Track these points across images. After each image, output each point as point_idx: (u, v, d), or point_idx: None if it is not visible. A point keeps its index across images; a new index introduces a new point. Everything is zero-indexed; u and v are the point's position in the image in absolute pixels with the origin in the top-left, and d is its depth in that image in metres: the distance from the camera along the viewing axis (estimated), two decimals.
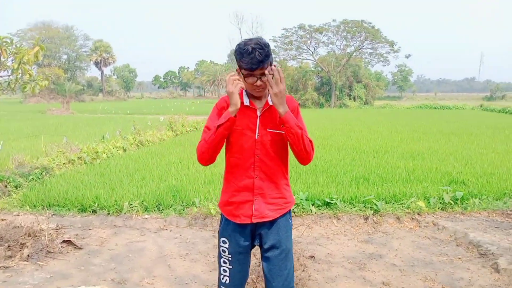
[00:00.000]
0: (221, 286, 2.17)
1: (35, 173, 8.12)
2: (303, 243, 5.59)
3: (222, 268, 2.18)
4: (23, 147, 12.24)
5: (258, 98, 2.10)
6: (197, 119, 20.80)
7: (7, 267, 4.86)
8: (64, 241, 5.53)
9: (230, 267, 2.15)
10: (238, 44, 1.99)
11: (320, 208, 6.61)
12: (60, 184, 7.62)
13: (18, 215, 6.67)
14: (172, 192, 7.04)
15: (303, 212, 6.45)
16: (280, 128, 2.03)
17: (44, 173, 8.34)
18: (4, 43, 6.00)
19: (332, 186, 7.36)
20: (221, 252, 2.21)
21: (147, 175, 8.41)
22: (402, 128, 19.32)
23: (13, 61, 6.05)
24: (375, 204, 6.60)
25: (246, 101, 2.08)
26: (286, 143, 2.14)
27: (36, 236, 5.45)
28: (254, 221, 2.08)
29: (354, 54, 50.47)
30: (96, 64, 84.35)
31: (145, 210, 6.69)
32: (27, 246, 5.25)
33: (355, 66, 50.88)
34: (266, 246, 2.14)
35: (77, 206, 6.75)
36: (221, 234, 2.23)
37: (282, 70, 39.74)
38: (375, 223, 6.40)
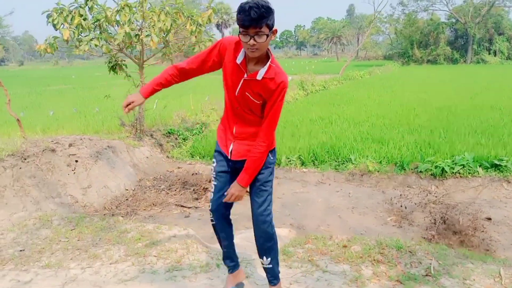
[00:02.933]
0: (210, 201, 2.42)
1: (197, 128, 9.01)
2: (474, 204, 5.35)
3: (211, 185, 2.44)
4: (173, 104, 13.53)
5: (252, 61, 2.12)
6: (324, 78, 20.65)
7: (196, 207, 5.59)
8: None
9: (215, 183, 2.42)
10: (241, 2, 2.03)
11: (488, 170, 6.20)
12: None
13: (190, 164, 7.54)
14: (326, 148, 7.23)
15: (469, 173, 6.12)
16: (256, 98, 2.18)
17: (203, 128, 9.20)
18: (182, 8, 6.56)
19: (499, 148, 6.80)
20: (211, 170, 2.48)
21: (295, 132, 8.72)
22: None
23: (191, 24, 6.60)
24: None
25: (240, 59, 2.13)
26: (260, 114, 2.26)
27: None
28: (232, 158, 2.34)
29: (497, 2, 44.25)
30: (217, 26, 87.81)
31: (302, 164, 7.01)
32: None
33: (497, 16, 44.70)
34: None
35: None
36: (214, 155, 2.49)
37: (411, 23, 36.65)
38: None
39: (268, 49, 2.10)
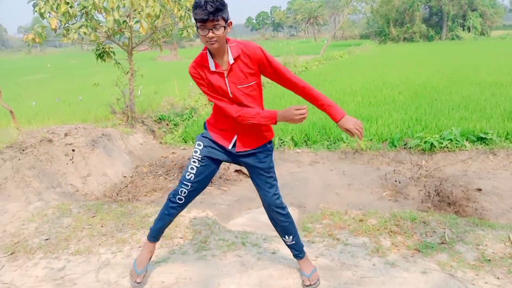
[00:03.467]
0: (183, 181, 2.38)
1: (187, 113, 9.01)
2: (464, 176, 5.61)
3: (190, 166, 2.39)
4: (158, 90, 13.43)
5: (220, 57, 2.19)
6: (306, 59, 20.75)
7: None
8: (236, 171, 6.23)
9: (198, 166, 2.37)
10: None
11: (474, 143, 6.46)
12: None
13: (184, 149, 7.59)
14: (317, 129, 7.39)
15: (456, 147, 6.37)
16: (248, 81, 2.22)
17: (193, 113, 9.21)
18: None
19: (483, 121, 7.09)
20: (193, 152, 2.43)
21: None
22: None
23: (179, 9, 6.56)
24: None
25: (212, 67, 2.20)
26: (258, 90, 2.31)
27: None
28: (237, 150, 2.35)
29: None
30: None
31: (295, 145, 7.15)
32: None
33: None
34: (249, 167, 2.47)
35: None
36: (198, 138, 2.45)
37: (386, 2, 37.03)
38: None
39: (226, 37, 2.17)
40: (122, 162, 6.30)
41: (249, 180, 6.08)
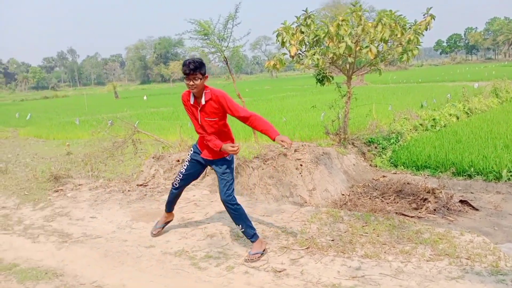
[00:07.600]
0: (179, 172, 3.67)
1: (393, 137, 8.92)
2: None
3: (184, 163, 3.65)
4: (355, 114, 13.63)
5: (199, 97, 3.27)
6: None
7: (419, 217, 5.52)
8: (460, 201, 5.85)
9: (188, 164, 3.61)
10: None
11: None
12: (422, 148, 8.10)
13: (395, 173, 7.51)
14: None
15: None
16: (211, 117, 3.30)
17: (399, 137, 9.06)
18: (398, 18, 6.62)
19: None
20: (188, 154, 3.69)
21: (509, 143, 7.92)
22: None
23: (403, 33, 6.61)
24: None
25: (192, 101, 3.32)
26: (220, 124, 3.35)
27: (434, 193, 5.96)
28: (203, 156, 3.52)
29: None
30: None
31: None
32: (430, 202, 5.81)
33: None
34: (214, 170, 3.54)
35: (447, 169, 7.02)
36: (193, 146, 3.68)
37: None
38: None
39: (204, 85, 3.24)
40: (340, 180, 6.60)
41: (477, 213, 5.67)
